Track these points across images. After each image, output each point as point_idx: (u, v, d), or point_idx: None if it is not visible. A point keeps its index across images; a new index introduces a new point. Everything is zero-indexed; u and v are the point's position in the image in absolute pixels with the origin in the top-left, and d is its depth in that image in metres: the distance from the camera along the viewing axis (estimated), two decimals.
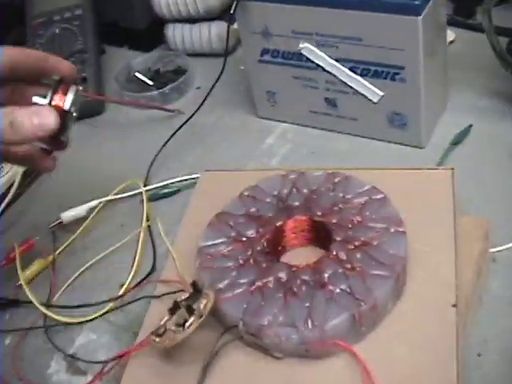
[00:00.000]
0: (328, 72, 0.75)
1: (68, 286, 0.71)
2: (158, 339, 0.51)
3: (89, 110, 0.93)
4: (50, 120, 0.54)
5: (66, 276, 0.72)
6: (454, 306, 0.50)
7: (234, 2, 0.73)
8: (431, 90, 0.73)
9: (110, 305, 0.66)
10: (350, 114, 0.78)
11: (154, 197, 0.79)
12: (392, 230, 0.54)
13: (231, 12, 0.74)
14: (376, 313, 0.50)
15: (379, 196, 0.57)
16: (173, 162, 0.83)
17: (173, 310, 0.52)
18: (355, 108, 0.76)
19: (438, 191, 0.60)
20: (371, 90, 0.73)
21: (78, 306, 0.67)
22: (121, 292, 0.67)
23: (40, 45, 0.96)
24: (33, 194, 0.85)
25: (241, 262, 0.55)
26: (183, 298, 0.53)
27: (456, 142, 0.75)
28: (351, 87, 0.75)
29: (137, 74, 0.96)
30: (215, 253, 0.57)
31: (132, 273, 0.69)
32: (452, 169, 0.62)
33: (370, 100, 0.74)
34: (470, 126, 0.76)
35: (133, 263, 0.69)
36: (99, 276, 0.71)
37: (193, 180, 0.78)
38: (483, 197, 0.67)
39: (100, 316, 0.66)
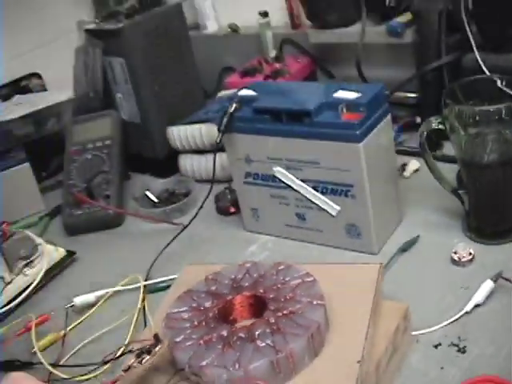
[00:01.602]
0: (296, 191, 0.92)
1: (73, 354, 0.86)
2: (124, 374, 0.66)
3: (109, 223, 1.12)
4: None
5: (72, 347, 0.87)
6: (359, 361, 0.63)
7: (220, 134, 0.92)
8: (381, 205, 0.89)
9: (104, 368, 0.80)
10: (316, 227, 0.94)
11: (152, 290, 0.94)
12: (314, 303, 0.68)
13: (217, 142, 0.93)
14: (292, 363, 0.64)
15: (310, 279, 0.72)
16: (171, 264, 0.99)
17: (138, 355, 0.67)
18: (320, 221, 0.93)
19: (364, 280, 0.74)
20: (330, 205, 0.90)
21: (79, 365, 0.81)
22: (117, 355, 0.80)
23: (74, 167, 1.18)
24: (54, 288, 1.03)
25: (195, 323, 0.70)
26: (147, 346, 0.68)
27: (404, 249, 0.89)
28: (315, 203, 0.91)
29: (147, 193, 1.15)
30: (178, 317, 0.72)
31: (125, 342, 0.83)
32: (380, 264, 0.76)
33: (330, 214, 0.90)
34: (418, 236, 0.91)
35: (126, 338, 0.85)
36: (99, 347, 0.86)
37: None
38: (418, 292, 0.81)
39: (94, 377, 0.80)
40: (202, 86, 1.43)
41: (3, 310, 0.95)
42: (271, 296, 0.71)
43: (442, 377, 0.69)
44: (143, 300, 0.91)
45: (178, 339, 0.68)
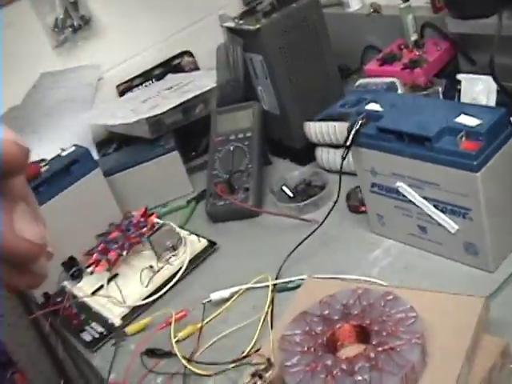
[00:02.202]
0: (418, 206, 0.95)
1: (207, 347, 0.98)
2: None
3: (247, 214, 1.22)
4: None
5: (207, 340, 0.99)
6: None
7: (345, 150, 0.97)
8: (500, 226, 0.90)
9: (230, 366, 0.91)
10: (436, 239, 0.97)
11: (280, 289, 1.03)
12: (413, 341, 0.74)
13: (343, 157, 0.98)
14: None
15: (413, 314, 0.77)
16: (300, 263, 1.07)
17: (253, 375, 0.77)
18: (439, 235, 0.95)
19: (467, 313, 0.78)
20: (449, 223, 0.92)
21: (209, 363, 0.93)
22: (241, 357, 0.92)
23: (217, 158, 1.28)
24: (195, 276, 1.15)
25: (305, 349, 0.78)
26: (261, 367, 0.77)
27: None
28: (435, 219, 0.94)
29: (283, 188, 1.22)
30: (291, 340, 0.80)
31: (251, 344, 0.94)
32: (486, 297, 0.79)
33: (449, 231, 0.93)
34: None
35: (253, 337, 0.95)
36: (230, 343, 0.97)
37: None
38: None
39: (222, 372, 0.92)
40: (345, 64, 1.47)
41: (152, 298, 1.09)
42: (375, 328, 0.77)
43: None
44: (272, 300, 1.01)
45: (288, 363, 0.77)
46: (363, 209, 1.11)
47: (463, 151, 0.85)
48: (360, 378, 0.72)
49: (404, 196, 0.96)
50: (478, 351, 0.76)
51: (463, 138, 0.86)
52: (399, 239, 1.04)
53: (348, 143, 0.97)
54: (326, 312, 0.83)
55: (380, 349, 0.74)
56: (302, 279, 1.02)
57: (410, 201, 0.96)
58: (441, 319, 0.78)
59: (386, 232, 1.05)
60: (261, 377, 0.75)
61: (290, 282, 1.04)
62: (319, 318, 0.82)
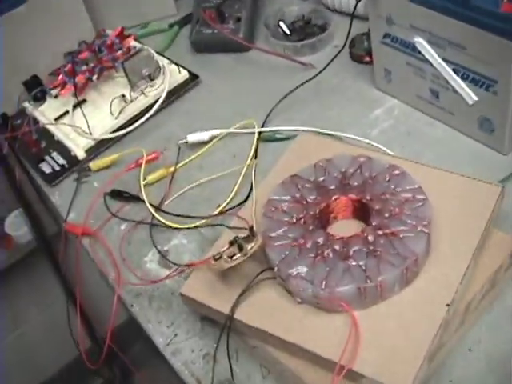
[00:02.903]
0: (435, 67, 0.83)
1: (179, 195, 0.88)
2: (213, 262, 0.67)
3: (237, 47, 1.08)
4: None
5: (179, 187, 0.89)
6: (448, 305, 0.61)
7: None
8: None
9: (203, 221, 0.83)
10: (449, 108, 0.86)
11: (266, 138, 0.93)
12: (418, 229, 0.65)
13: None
14: (380, 291, 0.62)
15: (421, 196, 0.68)
16: (291, 112, 0.96)
17: (231, 243, 0.68)
18: (453, 104, 0.85)
19: (480, 203, 0.69)
20: (467, 93, 0.81)
21: (180, 215, 0.84)
22: (215, 212, 0.83)
23: None
24: (171, 112, 1.03)
25: (294, 220, 0.69)
26: (242, 236, 0.68)
27: None
28: (452, 86, 0.83)
29: (280, 23, 1.08)
30: (278, 206, 0.71)
31: (228, 199, 0.85)
32: (503, 187, 0.70)
33: (466, 101, 0.82)
34: None
35: (231, 191, 0.85)
36: (204, 194, 0.88)
37: (302, 132, 0.91)
38: None
39: (194, 227, 0.83)
40: None
41: (122, 132, 0.97)
42: (377, 207, 0.68)
43: None
44: (256, 150, 0.90)
45: (272, 234, 0.68)
46: (368, 59, 0.99)
47: (504, 14, 0.72)
48: (354, 263, 0.63)
49: (420, 53, 0.84)
50: (487, 247, 0.68)
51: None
52: (406, 100, 0.93)
53: None
54: (322, 179, 0.73)
55: (380, 232, 0.66)
56: (294, 130, 0.92)
57: (427, 60, 0.84)
58: (451, 205, 0.69)
59: (392, 90, 0.94)
60: (241, 248, 0.66)
61: (278, 132, 0.93)
62: (312, 185, 0.73)
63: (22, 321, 1.56)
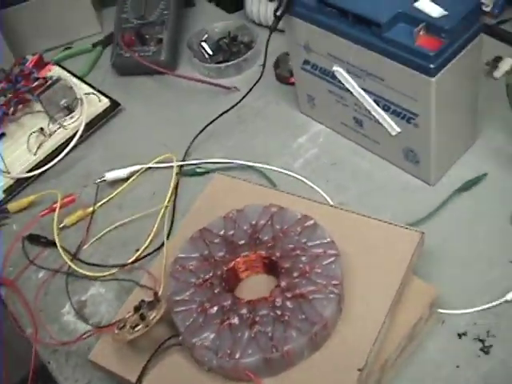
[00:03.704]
0: (355, 96, 0.79)
1: (96, 239, 0.84)
2: (117, 331, 0.64)
3: (162, 67, 1.02)
4: None
5: (98, 229, 0.85)
6: (360, 370, 0.58)
7: (275, 19, 0.79)
8: (448, 136, 0.76)
9: (114, 270, 0.79)
10: (373, 137, 0.82)
11: (187, 173, 0.88)
12: (329, 289, 0.62)
13: (271, 28, 0.80)
14: (288, 359, 0.59)
15: (333, 251, 0.64)
16: (213, 142, 0.92)
17: (137, 309, 0.64)
18: (378, 133, 0.81)
19: (398, 251, 0.66)
20: (390, 124, 0.78)
21: (95, 265, 0.80)
22: (130, 260, 0.79)
23: (129, 4, 1.05)
24: (91, 144, 0.98)
25: (201, 280, 0.65)
26: (147, 300, 0.64)
27: (464, 188, 0.78)
28: (374, 116, 0.79)
29: (202, 44, 1.03)
30: (186, 265, 0.67)
31: (146, 243, 0.81)
32: (422, 233, 0.67)
33: (389, 132, 0.78)
34: (485, 174, 0.78)
35: (150, 234, 0.81)
36: (123, 236, 0.84)
37: (224, 165, 0.87)
38: (462, 251, 0.72)
39: (110, 276, 0.79)
40: None
41: (39, 170, 0.92)
42: (286, 265, 0.65)
43: (455, 377, 0.63)
44: (176, 187, 0.86)
45: (178, 298, 0.65)
46: (293, 80, 0.94)
47: (419, 48, 0.68)
48: (262, 329, 0.60)
49: (340, 82, 0.80)
50: (405, 299, 0.64)
51: (421, 32, 0.68)
52: (331, 126, 0.89)
53: (280, 11, 0.79)
54: (231, 232, 0.69)
55: (289, 295, 0.62)
56: (215, 163, 0.88)
57: (348, 89, 0.80)
58: (367, 256, 0.66)
59: (317, 116, 0.90)
60: (143, 318, 0.62)
61: (199, 166, 0.89)
62: (221, 240, 0.69)
63: None
